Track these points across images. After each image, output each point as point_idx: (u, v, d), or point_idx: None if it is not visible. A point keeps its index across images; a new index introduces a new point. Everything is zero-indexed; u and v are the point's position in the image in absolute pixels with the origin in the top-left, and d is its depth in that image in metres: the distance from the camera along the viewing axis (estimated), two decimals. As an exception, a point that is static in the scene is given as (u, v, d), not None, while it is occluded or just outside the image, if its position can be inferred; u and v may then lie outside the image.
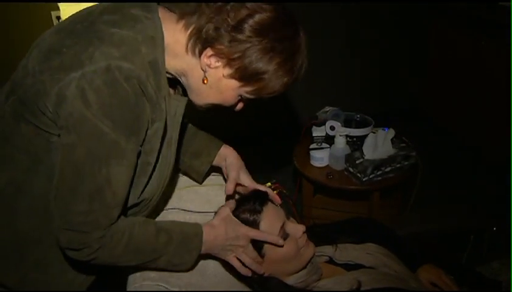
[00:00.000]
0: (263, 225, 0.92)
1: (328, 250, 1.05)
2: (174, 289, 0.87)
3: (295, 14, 0.79)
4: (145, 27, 0.74)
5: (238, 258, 0.90)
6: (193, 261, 0.86)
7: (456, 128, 2.79)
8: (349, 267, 1.01)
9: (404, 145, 1.79)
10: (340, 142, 1.76)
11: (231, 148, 1.06)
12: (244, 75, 0.76)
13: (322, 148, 1.83)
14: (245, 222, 0.92)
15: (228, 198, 1.01)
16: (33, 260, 0.83)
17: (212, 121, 2.70)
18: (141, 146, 0.76)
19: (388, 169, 1.71)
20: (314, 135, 1.88)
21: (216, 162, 1.06)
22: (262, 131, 2.92)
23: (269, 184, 1.16)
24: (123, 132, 0.70)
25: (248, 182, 1.01)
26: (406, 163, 1.74)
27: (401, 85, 3.09)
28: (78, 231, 0.72)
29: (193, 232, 0.85)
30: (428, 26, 2.89)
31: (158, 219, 1.03)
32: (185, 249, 0.84)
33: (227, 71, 0.76)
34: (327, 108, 1.94)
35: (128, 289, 0.89)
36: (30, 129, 0.75)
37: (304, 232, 0.95)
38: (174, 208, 1.09)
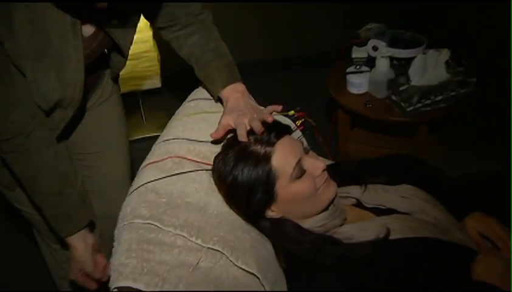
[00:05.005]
0: (275, 159, 0.86)
1: (355, 191, 1.00)
2: (167, 229, 0.83)
3: None
4: None
5: None
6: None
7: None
8: (379, 212, 0.95)
9: (461, 69, 1.68)
10: (383, 65, 1.66)
11: (239, 86, 1.02)
12: None
13: (361, 72, 1.74)
14: (255, 155, 0.86)
15: (215, 142, 0.99)
16: None
17: (235, 41, 2.64)
18: None
19: (439, 98, 1.61)
20: (353, 56, 1.81)
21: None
22: (292, 53, 2.81)
23: (292, 111, 1.13)
24: None
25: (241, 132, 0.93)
26: (462, 91, 1.63)
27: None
28: None
29: (77, 218, 1.00)
30: None
31: (157, 148, 1.02)
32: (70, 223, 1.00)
33: None
34: (371, 25, 1.86)
35: (117, 227, 0.86)
36: None
37: (324, 170, 0.88)
38: (177, 138, 1.04)
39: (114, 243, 0.83)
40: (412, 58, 1.68)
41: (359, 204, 0.98)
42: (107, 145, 1.22)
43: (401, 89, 1.63)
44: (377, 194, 0.97)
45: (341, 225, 0.91)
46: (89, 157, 1.20)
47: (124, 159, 1.28)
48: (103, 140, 1.21)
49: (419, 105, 1.60)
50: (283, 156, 0.86)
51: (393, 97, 1.66)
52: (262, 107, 1.00)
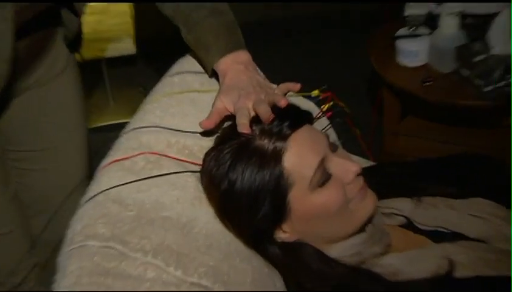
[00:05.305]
0: (289, 159, 0.88)
1: (405, 205, 1.02)
2: (134, 255, 0.83)
3: None
4: None
5: None
6: None
7: None
8: (439, 236, 0.96)
9: None
10: (449, 25, 1.68)
11: (241, 55, 1.05)
12: None
13: (418, 36, 1.79)
14: (261, 152, 0.88)
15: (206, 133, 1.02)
16: None
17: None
18: None
19: (532, 73, 1.62)
20: (406, 14, 1.85)
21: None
22: (318, 10, 2.88)
23: (316, 91, 1.15)
24: None
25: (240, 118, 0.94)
26: None
27: None
28: None
29: None
30: None
31: (124, 140, 1.04)
32: None
33: None
34: (433, -33, 1.94)
35: (63, 251, 0.87)
36: None
37: (359, 174, 0.89)
38: (153, 127, 1.06)
39: (56, 275, 0.83)
40: (494, 15, 1.69)
41: (409, 225, 1.00)
42: (54, 139, 1.23)
43: (476, 59, 1.64)
44: (437, 211, 0.98)
45: (383, 254, 0.93)
46: (27, 156, 1.21)
47: (80, 159, 1.30)
48: (49, 133, 1.22)
49: (503, 83, 1.62)
50: (300, 154, 0.87)
51: (464, 72, 1.67)
52: (274, 86, 1.01)
